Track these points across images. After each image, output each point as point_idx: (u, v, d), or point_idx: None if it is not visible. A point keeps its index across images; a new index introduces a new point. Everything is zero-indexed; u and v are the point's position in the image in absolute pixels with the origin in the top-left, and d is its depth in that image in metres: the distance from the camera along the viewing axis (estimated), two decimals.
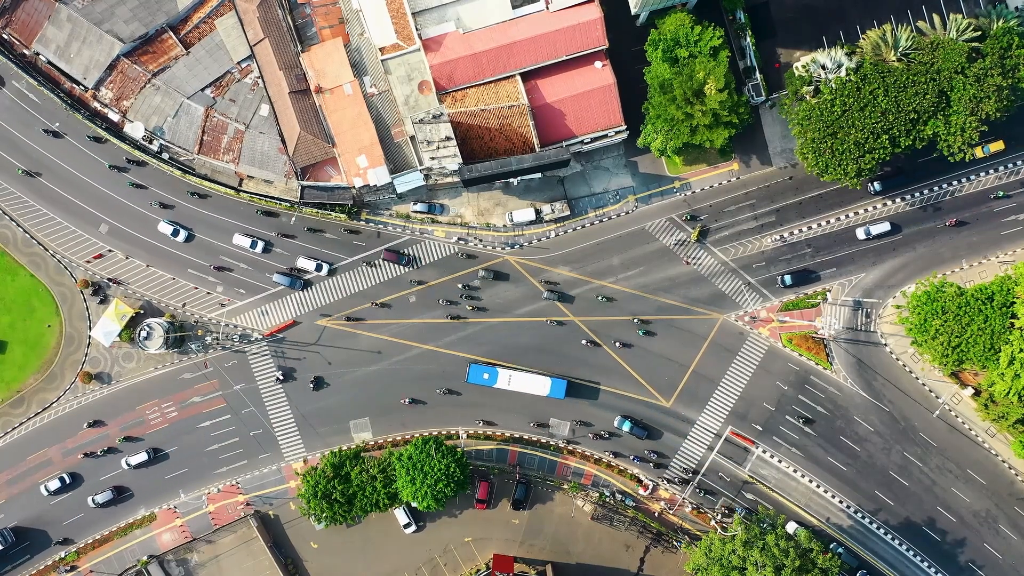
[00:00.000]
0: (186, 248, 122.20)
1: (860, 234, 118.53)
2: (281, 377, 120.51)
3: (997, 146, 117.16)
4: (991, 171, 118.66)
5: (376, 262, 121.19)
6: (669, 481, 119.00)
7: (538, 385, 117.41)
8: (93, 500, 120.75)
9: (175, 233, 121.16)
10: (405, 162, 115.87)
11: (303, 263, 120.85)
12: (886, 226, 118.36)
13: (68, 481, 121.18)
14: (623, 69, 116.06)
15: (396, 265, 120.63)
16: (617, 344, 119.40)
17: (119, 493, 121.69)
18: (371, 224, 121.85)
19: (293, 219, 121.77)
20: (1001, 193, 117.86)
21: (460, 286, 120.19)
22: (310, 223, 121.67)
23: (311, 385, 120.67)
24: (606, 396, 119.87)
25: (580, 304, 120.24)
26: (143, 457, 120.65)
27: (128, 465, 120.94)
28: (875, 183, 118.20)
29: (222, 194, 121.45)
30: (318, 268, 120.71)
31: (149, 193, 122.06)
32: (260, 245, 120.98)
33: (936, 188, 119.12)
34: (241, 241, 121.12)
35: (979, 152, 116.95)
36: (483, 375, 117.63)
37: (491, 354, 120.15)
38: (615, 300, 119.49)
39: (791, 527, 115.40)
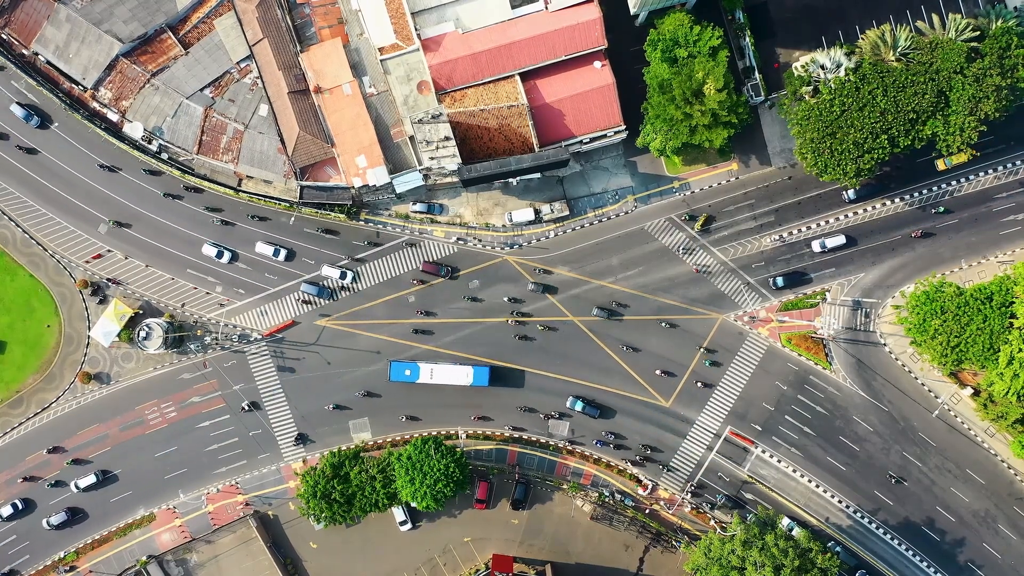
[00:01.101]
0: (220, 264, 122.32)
1: (815, 247, 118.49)
2: (246, 407, 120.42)
3: (960, 158, 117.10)
4: (989, 171, 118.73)
5: (374, 262, 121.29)
6: (666, 473, 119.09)
7: (460, 375, 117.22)
8: (47, 522, 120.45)
9: (219, 255, 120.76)
10: (404, 162, 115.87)
11: (327, 271, 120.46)
12: (841, 239, 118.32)
13: (20, 507, 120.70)
14: (622, 69, 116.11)
15: (437, 275, 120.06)
16: (625, 348, 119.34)
17: (73, 515, 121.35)
18: (370, 224, 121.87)
19: (292, 219, 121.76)
20: (942, 208, 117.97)
21: (506, 299, 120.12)
22: (325, 225, 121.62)
23: (245, 408, 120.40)
24: (603, 395, 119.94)
25: (579, 304, 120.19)
26: (91, 480, 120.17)
27: (77, 488, 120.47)
28: (848, 191, 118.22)
29: (275, 209, 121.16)
30: (342, 276, 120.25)
31: (201, 217, 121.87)
32: (283, 253, 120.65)
33: (935, 188, 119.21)
34: (264, 249, 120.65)
35: (941, 164, 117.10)
36: (404, 372, 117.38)
37: (490, 354, 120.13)
38: (620, 314, 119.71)
39: (785, 523, 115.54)
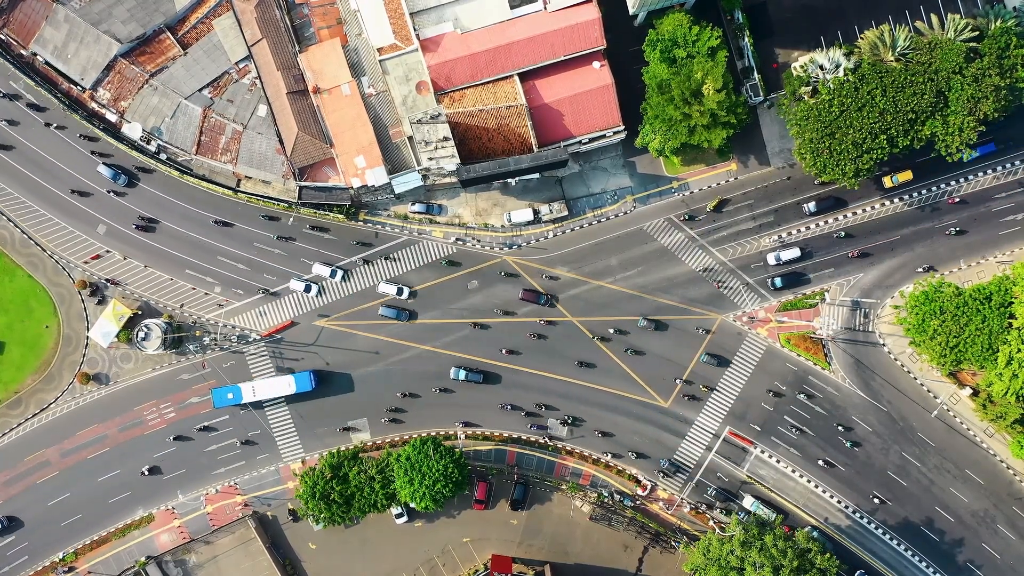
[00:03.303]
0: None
1: (771, 259, 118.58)
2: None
3: (905, 176, 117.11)
4: (989, 171, 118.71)
5: (373, 262, 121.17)
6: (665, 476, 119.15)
7: (283, 385, 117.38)
8: None
9: (307, 289, 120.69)
10: (403, 163, 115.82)
11: (384, 288, 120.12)
12: (796, 252, 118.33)
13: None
14: (621, 69, 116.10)
15: (536, 304, 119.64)
16: (630, 352, 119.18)
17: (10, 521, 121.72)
18: (369, 224, 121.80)
19: (291, 220, 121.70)
20: (843, 233, 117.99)
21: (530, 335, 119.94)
22: (358, 236, 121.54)
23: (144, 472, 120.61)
24: (604, 396, 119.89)
25: (579, 304, 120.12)
26: None
27: None
28: (810, 204, 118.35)
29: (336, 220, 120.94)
30: (399, 292, 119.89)
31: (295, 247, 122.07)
32: (339, 274, 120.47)
33: (935, 188, 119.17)
34: (321, 271, 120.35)
35: (888, 181, 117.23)
36: (227, 396, 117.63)
37: (490, 355, 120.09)
38: (666, 326, 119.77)
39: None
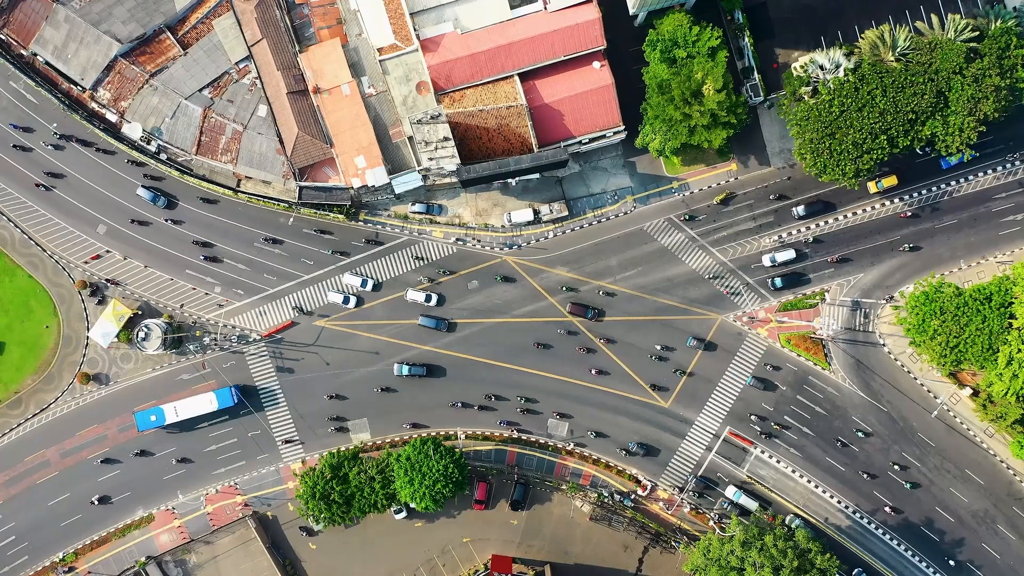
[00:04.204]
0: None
1: (766, 261, 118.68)
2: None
3: (890, 181, 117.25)
4: (989, 171, 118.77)
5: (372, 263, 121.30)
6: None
7: (205, 403, 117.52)
8: None
9: (346, 301, 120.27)
10: (403, 163, 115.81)
11: (413, 296, 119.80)
12: (791, 253, 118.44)
13: None
14: (621, 69, 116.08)
15: (583, 318, 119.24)
16: (654, 354, 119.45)
17: None
18: (369, 224, 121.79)
19: (291, 220, 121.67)
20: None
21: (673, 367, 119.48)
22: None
23: (94, 502, 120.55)
24: (603, 396, 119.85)
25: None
26: None
27: None
28: (799, 208, 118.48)
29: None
30: (427, 300, 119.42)
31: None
32: (370, 283, 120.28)
33: (934, 188, 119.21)
34: (351, 280, 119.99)
35: (872, 187, 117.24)
36: (150, 418, 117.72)
37: (490, 355, 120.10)
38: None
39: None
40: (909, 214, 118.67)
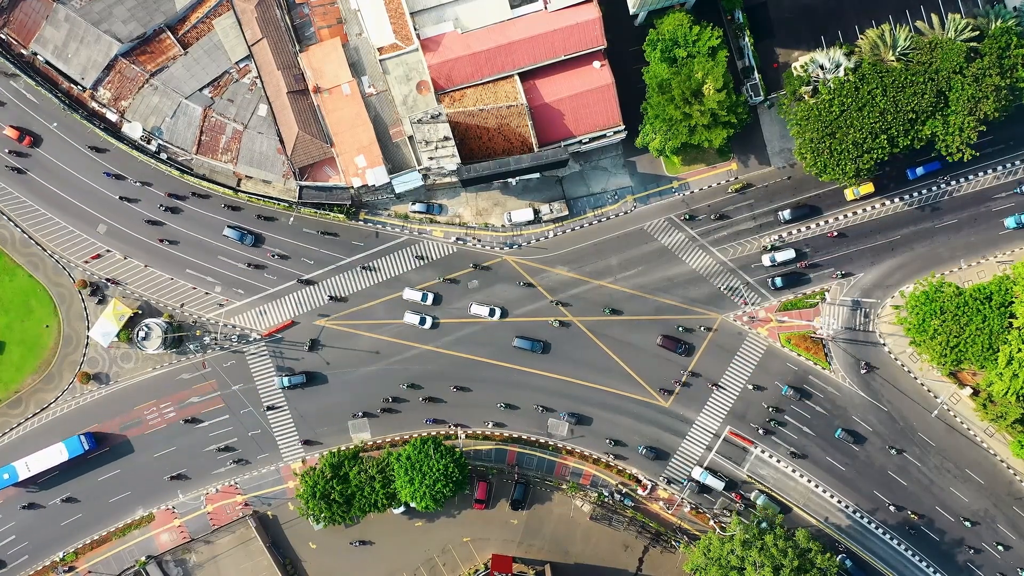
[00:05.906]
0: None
1: (765, 261, 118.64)
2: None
3: (867, 189, 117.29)
4: (989, 171, 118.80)
5: (370, 264, 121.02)
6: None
7: (56, 454, 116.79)
8: None
9: (422, 322, 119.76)
10: (403, 162, 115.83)
11: (476, 309, 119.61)
12: (791, 253, 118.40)
13: None
14: (621, 69, 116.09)
15: (673, 353, 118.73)
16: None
17: None
18: (369, 224, 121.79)
19: (291, 220, 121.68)
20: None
21: (769, 409, 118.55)
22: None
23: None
24: (603, 396, 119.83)
25: (579, 305, 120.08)
26: None
27: None
28: (785, 212, 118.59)
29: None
30: (491, 314, 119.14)
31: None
32: (431, 297, 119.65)
33: (934, 188, 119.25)
34: (412, 296, 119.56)
35: (849, 194, 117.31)
36: (3, 476, 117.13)
37: (491, 355, 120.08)
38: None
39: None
40: (836, 234, 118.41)
